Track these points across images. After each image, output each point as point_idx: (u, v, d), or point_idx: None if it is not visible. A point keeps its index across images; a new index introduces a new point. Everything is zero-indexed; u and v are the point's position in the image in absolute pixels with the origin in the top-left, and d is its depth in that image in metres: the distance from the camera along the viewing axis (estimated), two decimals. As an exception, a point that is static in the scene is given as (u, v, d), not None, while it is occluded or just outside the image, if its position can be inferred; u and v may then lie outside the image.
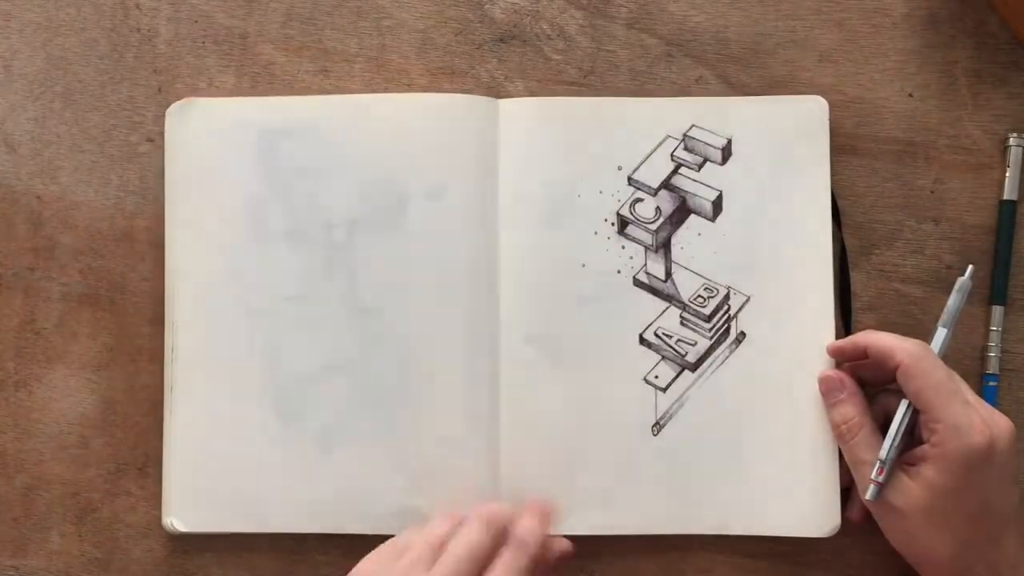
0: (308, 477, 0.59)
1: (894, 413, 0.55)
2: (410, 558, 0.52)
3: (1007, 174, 0.60)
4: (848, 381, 0.58)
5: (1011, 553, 0.54)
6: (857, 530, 0.59)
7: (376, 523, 0.59)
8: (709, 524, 0.59)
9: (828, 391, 0.58)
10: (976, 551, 0.53)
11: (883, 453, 0.55)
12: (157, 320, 0.61)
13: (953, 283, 0.57)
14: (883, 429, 0.56)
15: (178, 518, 0.59)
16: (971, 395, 0.54)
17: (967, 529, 0.53)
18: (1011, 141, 0.60)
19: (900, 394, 0.56)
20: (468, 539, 0.52)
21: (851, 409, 0.57)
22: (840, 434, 0.57)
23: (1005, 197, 0.60)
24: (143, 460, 0.61)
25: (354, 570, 0.53)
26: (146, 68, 0.62)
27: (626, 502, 0.59)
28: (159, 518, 0.60)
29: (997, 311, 0.60)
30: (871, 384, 0.58)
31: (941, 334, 0.56)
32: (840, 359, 0.59)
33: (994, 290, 0.60)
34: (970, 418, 0.53)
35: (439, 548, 0.52)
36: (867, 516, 0.57)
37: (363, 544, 0.57)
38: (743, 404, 0.59)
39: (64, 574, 0.61)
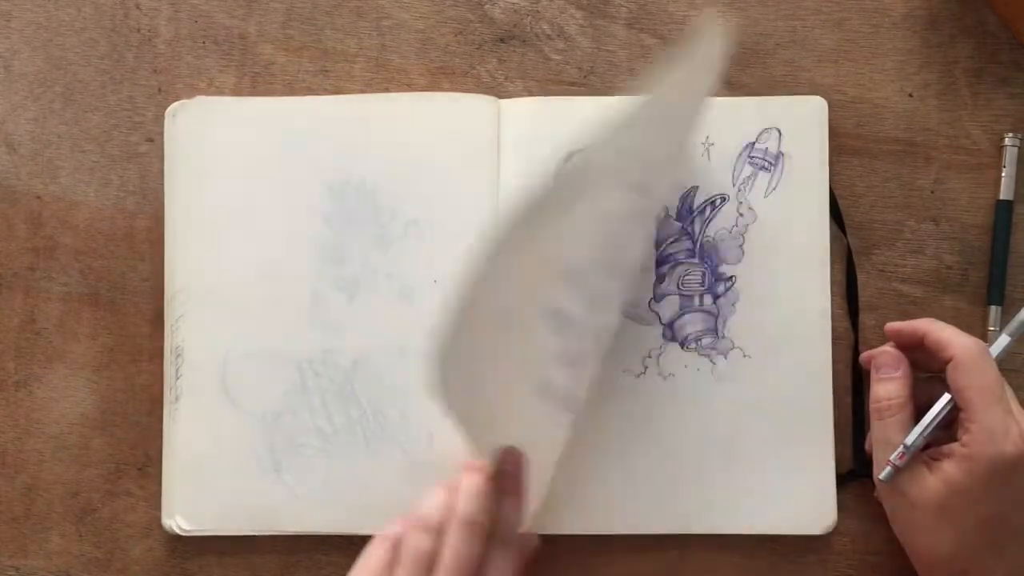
0: (308, 477, 0.59)
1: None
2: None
3: (1003, 174, 0.60)
4: (905, 363, 0.56)
5: (1014, 566, 0.53)
6: (856, 529, 0.59)
7: (376, 523, 0.59)
8: (709, 524, 0.59)
9: (882, 365, 0.57)
10: (977, 556, 0.53)
11: (910, 439, 0.54)
12: (157, 320, 0.61)
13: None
14: (920, 417, 0.55)
15: (178, 518, 0.59)
16: (1016, 406, 0.53)
17: (975, 533, 0.53)
18: (1007, 141, 0.60)
19: (947, 386, 0.55)
20: (456, 550, 0.52)
21: (899, 388, 0.56)
22: (878, 409, 0.56)
23: (1001, 197, 0.60)
24: (143, 460, 0.61)
25: None
26: (146, 68, 0.62)
27: (626, 502, 0.59)
28: (159, 518, 0.60)
29: (994, 311, 0.60)
30: (920, 369, 0.57)
31: (1003, 341, 0.55)
32: (895, 340, 0.58)
33: (991, 290, 0.60)
34: (1007, 426, 0.52)
35: (429, 562, 0.52)
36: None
37: (363, 544, 0.56)
38: (742, 403, 0.59)
39: (64, 574, 0.61)
